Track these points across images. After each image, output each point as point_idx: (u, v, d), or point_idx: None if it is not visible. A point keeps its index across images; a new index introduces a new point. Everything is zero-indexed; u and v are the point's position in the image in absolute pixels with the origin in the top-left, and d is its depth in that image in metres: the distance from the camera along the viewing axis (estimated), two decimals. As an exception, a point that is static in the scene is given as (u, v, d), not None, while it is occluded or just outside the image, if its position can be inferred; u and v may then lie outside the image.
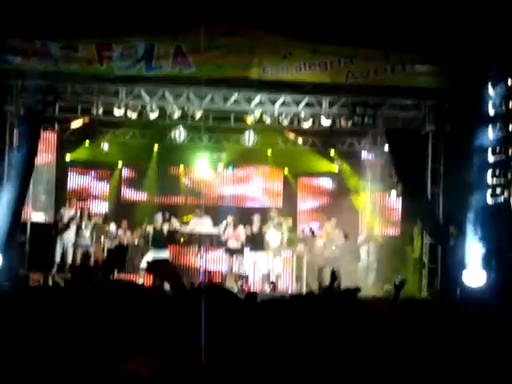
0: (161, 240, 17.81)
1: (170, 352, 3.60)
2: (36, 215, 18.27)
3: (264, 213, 19.18)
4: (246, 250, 17.98)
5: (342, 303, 4.67)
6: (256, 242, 17.94)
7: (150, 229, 17.94)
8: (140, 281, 16.76)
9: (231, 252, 18.01)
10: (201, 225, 18.57)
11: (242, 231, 18.08)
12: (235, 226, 18.18)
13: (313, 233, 18.23)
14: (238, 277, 17.95)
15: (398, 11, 15.14)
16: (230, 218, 18.26)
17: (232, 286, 17.60)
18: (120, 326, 3.32)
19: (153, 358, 3.30)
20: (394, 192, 18.59)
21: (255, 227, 18.02)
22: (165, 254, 17.46)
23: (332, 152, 20.53)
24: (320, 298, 4.97)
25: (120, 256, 15.12)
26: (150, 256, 17.54)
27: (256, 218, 18.17)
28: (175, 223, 18.20)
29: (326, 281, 17.00)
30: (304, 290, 17.16)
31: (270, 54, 15.90)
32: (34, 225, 17.97)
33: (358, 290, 6.00)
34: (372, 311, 4.30)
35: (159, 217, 18.02)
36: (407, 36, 15.75)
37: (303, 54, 15.95)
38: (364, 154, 20.23)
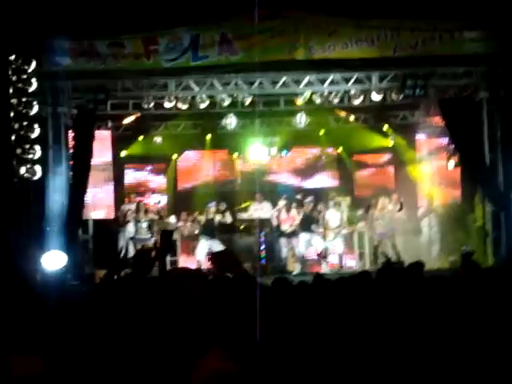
0: (211, 230, 17.87)
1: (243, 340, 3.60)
2: (96, 213, 18.51)
3: (321, 194, 19.16)
4: (301, 232, 17.96)
5: (406, 279, 4.63)
6: (309, 223, 17.95)
7: (201, 218, 18.01)
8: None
9: (287, 236, 18.00)
10: (260, 210, 18.59)
11: (295, 214, 18.07)
12: (288, 210, 18.15)
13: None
14: (297, 259, 17.97)
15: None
16: (281, 203, 18.24)
17: (292, 269, 17.64)
18: (191, 317, 3.33)
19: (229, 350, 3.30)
20: (451, 162, 18.34)
21: (308, 208, 18.03)
22: (214, 244, 17.56)
23: (385, 127, 20.32)
24: (379, 274, 4.93)
25: (167, 240, 15.26)
26: (202, 246, 17.68)
27: (308, 200, 18.19)
28: (228, 217, 18.18)
29: (382, 256, 17.01)
30: (368, 267, 17.11)
31: (314, 34, 15.79)
32: (96, 222, 18.21)
33: (421, 264, 5.93)
34: (436, 285, 4.25)
35: (212, 206, 18.06)
36: (453, 3, 15.50)
37: (348, 31, 15.81)
38: (418, 126, 19.98)
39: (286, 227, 18.01)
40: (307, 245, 17.91)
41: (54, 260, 14.46)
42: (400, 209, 17.68)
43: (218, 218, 17.97)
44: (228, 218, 18.22)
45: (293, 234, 17.99)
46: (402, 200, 17.82)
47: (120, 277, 16.17)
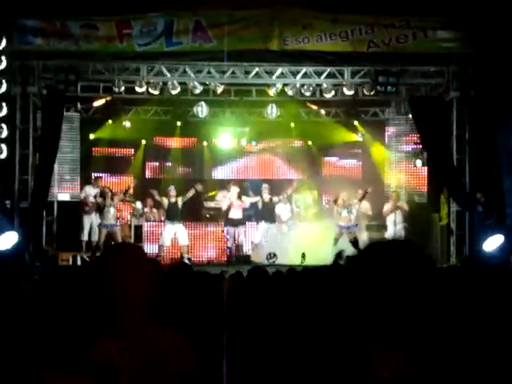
0: (175, 213, 17.78)
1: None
2: (62, 195, 18.36)
3: (287, 186, 19.20)
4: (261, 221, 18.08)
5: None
6: (267, 213, 18.09)
7: (164, 201, 17.86)
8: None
9: (234, 223, 18.04)
10: (227, 199, 18.57)
11: (245, 201, 18.19)
12: (239, 197, 18.21)
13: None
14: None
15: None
16: (233, 189, 18.26)
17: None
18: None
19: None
20: (419, 160, 18.47)
21: (265, 198, 18.17)
22: (179, 227, 17.54)
23: (356, 122, 20.38)
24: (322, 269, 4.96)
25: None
26: (168, 229, 17.58)
27: (264, 188, 18.36)
28: (189, 194, 18.04)
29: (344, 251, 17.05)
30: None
31: (289, 25, 15.77)
32: (61, 204, 18.06)
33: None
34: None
35: (172, 189, 17.95)
36: (428, 1, 15.58)
37: (323, 24, 15.81)
38: (388, 123, 20.08)
39: (233, 215, 18.02)
40: (264, 234, 17.97)
41: (7, 240, 14.32)
42: (361, 198, 17.71)
43: (179, 201, 17.81)
44: (189, 194, 18.04)
45: (239, 223, 17.99)
46: (367, 190, 17.83)
47: (85, 260, 16.00)
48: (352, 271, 1.97)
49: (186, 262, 16.76)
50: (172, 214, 17.69)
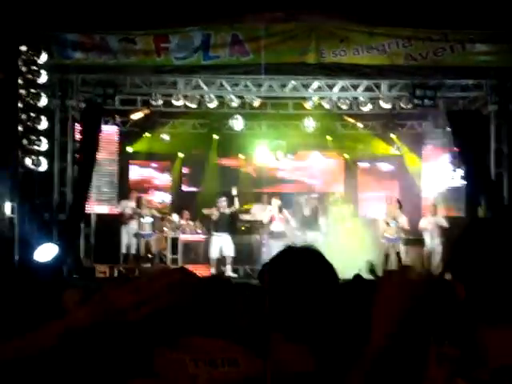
0: (224, 224, 17.82)
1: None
2: (100, 208, 18.51)
3: (324, 198, 19.15)
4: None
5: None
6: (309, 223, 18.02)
7: (214, 213, 17.85)
8: (212, 271, 16.95)
9: (276, 236, 17.93)
10: (262, 212, 18.58)
11: (287, 215, 18.09)
12: (280, 211, 18.16)
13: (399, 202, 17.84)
14: None
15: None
16: (275, 202, 18.21)
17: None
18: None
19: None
20: (457, 174, 18.31)
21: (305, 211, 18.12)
22: (227, 239, 17.57)
23: (392, 135, 20.29)
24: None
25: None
26: (215, 242, 17.59)
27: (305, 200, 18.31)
28: (237, 204, 18.07)
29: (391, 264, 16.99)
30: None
31: (326, 39, 15.75)
32: (99, 217, 18.20)
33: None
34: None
35: (222, 201, 17.95)
36: (466, 15, 15.46)
37: (360, 37, 15.77)
38: (426, 137, 19.96)
39: (275, 228, 17.95)
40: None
41: (46, 252, 14.50)
42: (400, 206, 17.63)
43: (227, 211, 17.85)
44: (237, 205, 18.09)
45: (283, 235, 17.89)
46: (404, 210, 17.78)
47: (120, 273, 16.08)
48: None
49: (231, 274, 16.86)
50: (221, 225, 17.74)
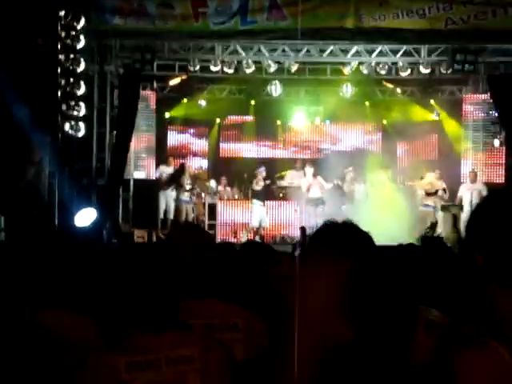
0: (263, 193, 17.99)
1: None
2: (138, 173, 18.62)
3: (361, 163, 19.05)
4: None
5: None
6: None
7: (254, 183, 18.04)
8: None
9: (313, 203, 17.88)
10: (298, 178, 18.58)
11: (322, 180, 18.05)
12: (315, 176, 18.14)
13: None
14: None
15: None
16: (309, 170, 18.20)
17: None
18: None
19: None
20: (497, 140, 18.10)
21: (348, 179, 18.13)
22: (264, 209, 17.75)
23: (432, 101, 20.07)
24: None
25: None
26: (256, 210, 17.75)
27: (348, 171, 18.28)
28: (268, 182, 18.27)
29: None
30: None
31: (365, 3, 15.60)
32: (137, 182, 18.32)
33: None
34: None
35: (263, 170, 18.14)
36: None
37: (400, 1, 15.58)
38: (466, 102, 19.71)
39: (313, 194, 17.92)
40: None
41: (86, 216, 14.66)
42: (445, 191, 17.62)
43: (267, 182, 18.04)
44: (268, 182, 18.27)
45: (320, 202, 17.82)
46: (443, 177, 17.72)
47: (158, 238, 16.17)
48: None
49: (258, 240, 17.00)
50: (261, 194, 17.90)
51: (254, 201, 17.89)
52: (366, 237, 2.34)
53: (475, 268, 1.84)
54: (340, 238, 2.30)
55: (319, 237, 2.35)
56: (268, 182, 18.16)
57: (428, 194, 17.66)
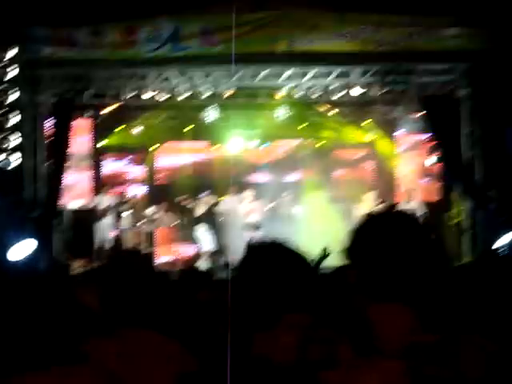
0: (204, 217, 17.97)
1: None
2: (73, 203, 18.39)
3: (298, 188, 19.22)
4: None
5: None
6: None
7: (194, 207, 18.01)
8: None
9: (250, 227, 17.90)
10: (236, 203, 18.59)
11: (258, 205, 18.12)
12: (253, 201, 18.19)
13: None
14: None
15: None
16: (247, 194, 18.26)
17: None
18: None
19: None
20: (431, 158, 18.42)
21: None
22: (207, 233, 17.71)
23: (366, 122, 20.32)
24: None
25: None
26: (197, 234, 17.70)
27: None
28: (213, 200, 18.22)
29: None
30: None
31: (297, 27, 15.71)
32: (73, 212, 18.08)
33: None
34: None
35: (204, 194, 18.21)
36: (437, -1, 15.51)
37: (330, 24, 15.75)
38: (399, 122, 20.01)
39: (250, 218, 17.95)
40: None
41: (20, 250, 14.39)
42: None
43: (207, 206, 18.01)
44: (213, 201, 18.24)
45: (257, 226, 17.85)
46: (380, 197, 17.95)
47: (95, 268, 15.97)
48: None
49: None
50: (206, 220, 17.88)
51: (198, 226, 17.83)
52: (293, 256, 2.41)
53: (348, 283, 2.02)
54: (266, 259, 2.38)
55: (246, 260, 2.43)
56: (208, 206, 18.11)
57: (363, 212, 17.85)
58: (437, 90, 17.67)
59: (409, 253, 1.98)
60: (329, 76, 17.19)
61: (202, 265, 17.33)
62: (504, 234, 14.88)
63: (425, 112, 17.42)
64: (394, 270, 1.96)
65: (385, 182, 19.32)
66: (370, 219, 2.15)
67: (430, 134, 17.82)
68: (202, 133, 20.52)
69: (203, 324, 3.62)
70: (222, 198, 19.41)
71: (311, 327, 2.11)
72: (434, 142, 17.66)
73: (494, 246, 14.93)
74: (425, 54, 16.22)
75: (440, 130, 16.86)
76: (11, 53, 15.06)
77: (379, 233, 2.05)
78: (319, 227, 17.96)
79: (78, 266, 16.57)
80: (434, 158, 18.31)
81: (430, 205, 18.35)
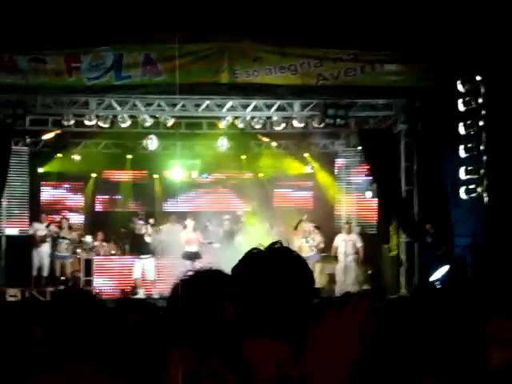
0: (143, 245, 17.79)
1: None
2: (10, 230, 18.12)
3: (238, 218, 19.30)
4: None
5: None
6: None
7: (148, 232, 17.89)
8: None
9: (190, 256, 17.72)
10: (173, 232, 18.48)
11: (200, 236, 18.08)
12: (194, 231, 18.15)
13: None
14: None
15: (365, 11, 15.16)
16: (189, 223, 18.19)
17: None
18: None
19: None
20: (369, 192, 18.66)
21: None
22: (147, 262, 17.53)
23: (306, 154, 20.52)
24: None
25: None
26: (137, 264, 17.52)
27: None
28: (149, 229, 18.05)
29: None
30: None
31: (239, 59, 15.86)
32: (9, 239, 17.80)
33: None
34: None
35: (141, 223, 18.05)
36: (376, 36, 15.79)
37: (272, 57, 15.93)
38: (338, 155, 20.26)
39: (189, 248, 17.85)
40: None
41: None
42: (296, 226, 18.06)
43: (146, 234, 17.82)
44: (150, 230, 18.04)
45: (196, 256, 17.72)
46: (302, 218, 18.21)
47: (31, 296, 15.68)
48: None
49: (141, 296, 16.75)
50: (141, 247, 17.72)
51: (137, 254, 17.71)
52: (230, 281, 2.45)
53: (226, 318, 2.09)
54: (202, 287, 2.49)
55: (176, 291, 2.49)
56: (148, 235, 17.90)
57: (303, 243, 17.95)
58: (376, 125, 18.01)
59: (282, 288, 2.03)
60: (271, 108, 17.35)
61: (140, 293, 17.19)
62: (440, 267, 15.13)
63: (364, 146, 17.68)
64: (267, 305, 2.01)
65: (325, 213, 19.46)
66: (248, 256, 2.24)
67: (368, 167, 18.05)
68: (143, 162, 20.44)
69: (133, 352, 3.61)
70: (162, 226, 19.30)
71: (197, 362, 2.15)
72: (373, 176, 17.90)
73: (431, 279, 15.15)
74: (364, 89, 16.51)
75: (379, 164, 17.14)
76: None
77: (254, 270, 2.12)
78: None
79: (13, 294, 16.30)
80: (373, 191, 18.53)
81: (368, 237, 18.54)
